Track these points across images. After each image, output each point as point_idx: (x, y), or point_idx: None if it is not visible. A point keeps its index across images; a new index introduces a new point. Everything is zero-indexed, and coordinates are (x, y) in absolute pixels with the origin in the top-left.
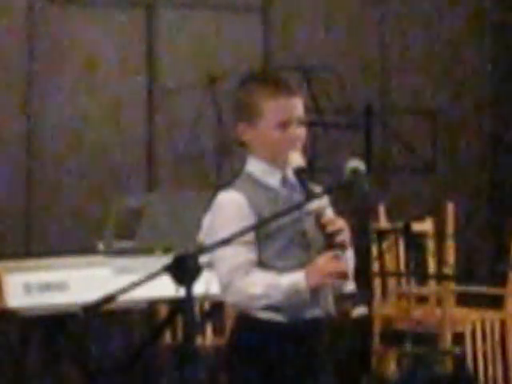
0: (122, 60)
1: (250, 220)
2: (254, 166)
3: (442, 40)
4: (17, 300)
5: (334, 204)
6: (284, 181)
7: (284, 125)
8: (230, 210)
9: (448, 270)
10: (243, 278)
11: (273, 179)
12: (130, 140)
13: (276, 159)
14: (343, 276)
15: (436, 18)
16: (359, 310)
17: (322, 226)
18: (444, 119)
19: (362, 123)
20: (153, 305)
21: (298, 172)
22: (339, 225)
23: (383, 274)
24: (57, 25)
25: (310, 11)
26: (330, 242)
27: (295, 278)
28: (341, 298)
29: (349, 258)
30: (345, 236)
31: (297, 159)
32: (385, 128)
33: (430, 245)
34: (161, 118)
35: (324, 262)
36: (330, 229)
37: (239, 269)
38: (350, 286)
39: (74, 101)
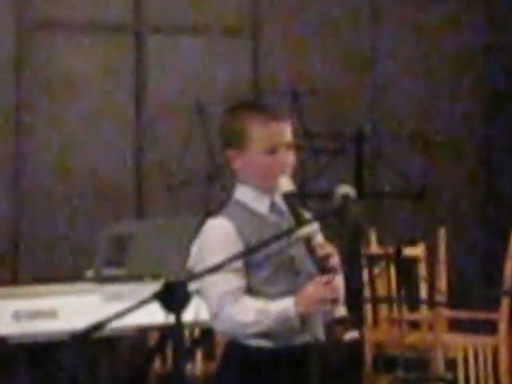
0: (110, 86)
1: (238, 247)
2: (243, 193)
3: (434, 65)
4: (6, 327)
5: (324, 230)
6: (273, 206)
7: (273, 150)
8: (218, 237)
9: (440, 296)
10: (233, 306)
11: (261, 205)
12: (118, 167)
13: (265, 185)
14: (333, 302)
15: (428, 42)
16: (350, 335)
17: (312, 251)
18: (435, 144)
19: (352, 148)
20: (142, 332)
21: (288, 197)
22: (329, 249)
23: (374, 299)
24: (44, 51)
25: (300, 36)
26: (321, 267)
27: (285, 305)
28: (332, 322)
29: (339, 283)
30: (335, 261)
31: (286, 184)
32: (375, 153)
33: (422, 270)
34: (150, 145)
35: (314, 288)
36: (320, 253)
37: (228, 296)
38: (341, 311)
39: (62, 127)
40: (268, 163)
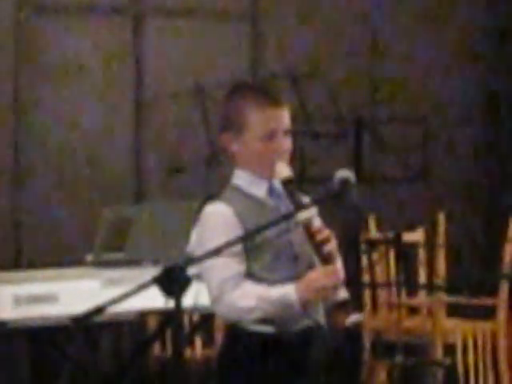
0: (109, 69)
1: (237, 232)
2: (240, 178)
3: (432, 49)
4: (6, 312)
5: (323, 214)
6: (271, 191)
7: (270, 136)
8: (216, 222)
9: (439, 281)
10: (233, 291)
11: (259, 190)
12: (117, 151)
13: (262, 170)
14: (334, 289)
15: (426, 27)
16: (353, 318)
17: (311, 236)
18: (435, 128)
19: (351, 132)
20: (142, 316)
21: (285, 182)
22: (326, 234)
23: (373, 284)
24: (44, 35)
25: (300, 19)
26: (319, 252)
27: (286, 291)
28: (334, 306)
29: (339, 268)
30: (332, 246)
31: (284, 170)
32: (375, 137)
33: (421, 255)
34: (149, 128)
35: (316, 276)
36: (318, 238)
37: (229, 281)
38: (343, 293)
39: (62, 111)
40: (264, 149)
